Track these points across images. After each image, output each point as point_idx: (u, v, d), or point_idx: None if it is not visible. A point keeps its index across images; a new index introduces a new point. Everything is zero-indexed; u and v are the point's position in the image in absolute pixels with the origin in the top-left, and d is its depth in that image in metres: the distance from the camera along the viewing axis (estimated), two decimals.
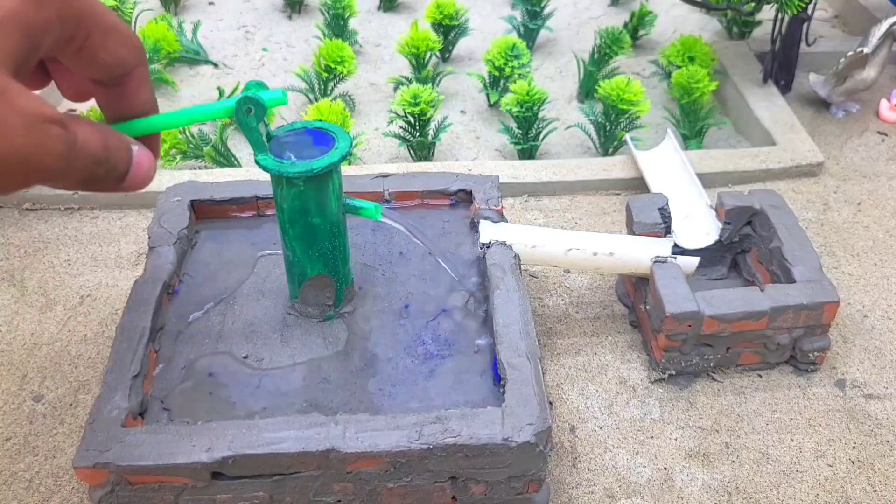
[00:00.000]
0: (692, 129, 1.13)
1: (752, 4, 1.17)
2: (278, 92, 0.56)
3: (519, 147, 1.10)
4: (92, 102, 0.52)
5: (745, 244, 0.86)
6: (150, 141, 0.51)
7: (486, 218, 0.77)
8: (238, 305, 0.71)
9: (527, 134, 1.09)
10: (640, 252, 0.78)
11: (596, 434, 0.74)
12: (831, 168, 1.09)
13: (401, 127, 1.09)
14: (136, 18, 1.35)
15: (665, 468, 0.71)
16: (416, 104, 1.05)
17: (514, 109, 1.07)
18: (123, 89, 0.49)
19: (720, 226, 0.85)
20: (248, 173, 1.01)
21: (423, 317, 0.70)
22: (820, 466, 0.72)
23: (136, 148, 0.46)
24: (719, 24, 1.44)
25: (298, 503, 0.61)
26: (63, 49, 0.43)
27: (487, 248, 0.74)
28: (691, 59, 1.20)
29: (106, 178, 0.43)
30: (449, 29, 1.31)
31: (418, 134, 1.08)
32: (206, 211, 0.79)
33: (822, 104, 1.21)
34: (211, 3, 1.52)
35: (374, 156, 1.13)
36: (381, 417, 0.59)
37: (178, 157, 1.04)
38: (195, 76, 1.31)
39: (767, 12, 1.22)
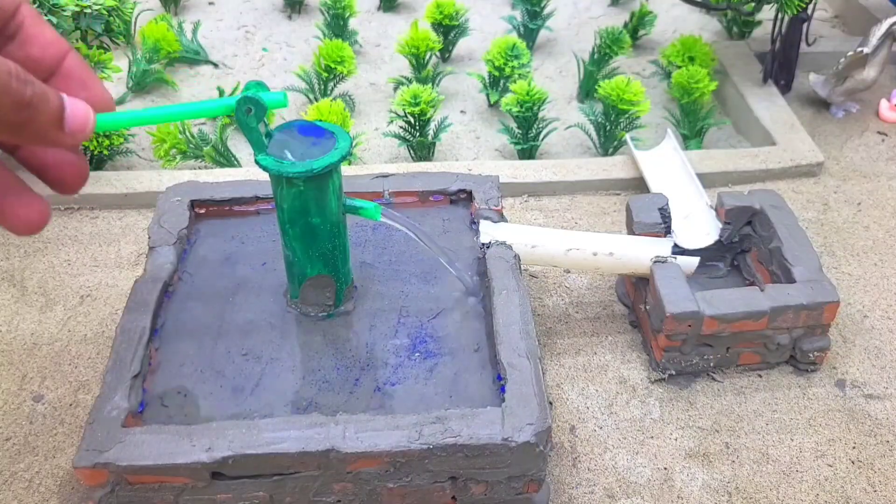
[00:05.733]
0: (692, 129, 1.13)
1: (752, 4, 1.17)
2: (280, 94, 0.56)
3: (519, 147, 1.10)
4: None
5: (745, 244, 0.86)
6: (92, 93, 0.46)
7: (486, 218, 0.77)
8: (238, 303, 0.71)
9: (527, 134, 1.09)
10: (640, 252, 0.78)
11: (596, 434, 0.74)
12: (831, 168, 1.09)
13: (401, 127, 1.09)
14: (136, 18, 1.35)
15: (665, 468, 0.71)
16: (416, 104, 1.05)
17: (514, 109, 1.07)
18: (19, 37, 0.44)
19: (720, 226, 0.85)
20: (248, 173, 1.01)
21: (423, 316, 0.70)
22: (820, 466, 0.72)
23: (64, 95, 0.43)
24: (719, 24, 1.44)
25: (298, 503, 0.61)
26: None
27: (487, 248, 0.74)
28: (691, 59, 1.20)
29: (36, 119, 0.40)
30: (449, 29, 1.31)
31: (418, 134, 1.08)
32: (206, 211, 0.79)
33: (822, 104, 1.21)
34: (211, 3, 1.52)
35: (374, 156, 1.13)
36: (381, 417, 0.59)
37: (178, 157, 1.04)
38: (195, 76, 1.31)
39: (767, 12, 1.22)
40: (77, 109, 0.43)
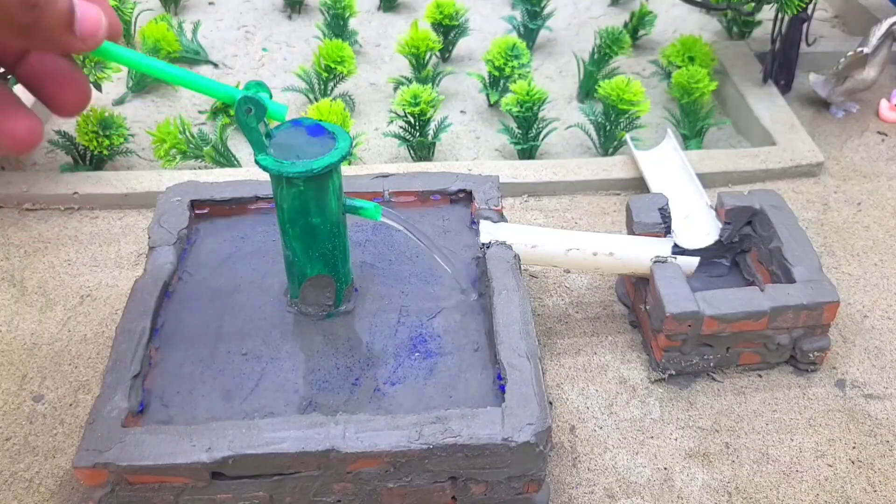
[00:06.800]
0: (692, 129, 1.13)
1: (752, 4, 1.17)
2: (283, 107, 0.56)
3: (519, 147, 1.10)
4: None
5: (745, 244, 0.86)
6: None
7: (486, 218, 0.77)
8: (238, 303, 0.71)
9: (527, 134, 1.09)
10: (640, 252, 0.78)
11: (596, 434, 0.74)
12: (831, 168, 1.09)
13: (401, 127, 1.09)
14: (136, 18, 1.35)
15: (665, 468, 0.71)
16: (416, 104, 1.05)
17: (514, 109, 1.07)
18: None
19: (720, 226, 0.85)
20: (248, 173, 1.01)
21: (423, 316, 0.70)
22: (820, 466, 0.72)
23: None
24: (719, 24, 1.44)
25: (298, 503, 0.61)
26: None
27: (487, 248, 0.74)
28: (691, 59, 1.20)
29: (44, 20, 0.39)
30: (449, 29, 1.31)
31: (418, 134, 1.08)
32: (206, 211, 0.79)
33: (822, 104, 1.21)
34: (211, 3, 1.52)
35: (374, 156, 1.13)
36: (381, 417, 0.59)
37: (178, 157, 1.04)
38: None
39: (767, 12, 1.22)
40: (88, 12, 0.41)
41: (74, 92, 0.45)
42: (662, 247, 0.78)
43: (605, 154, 1.11)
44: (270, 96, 0.57)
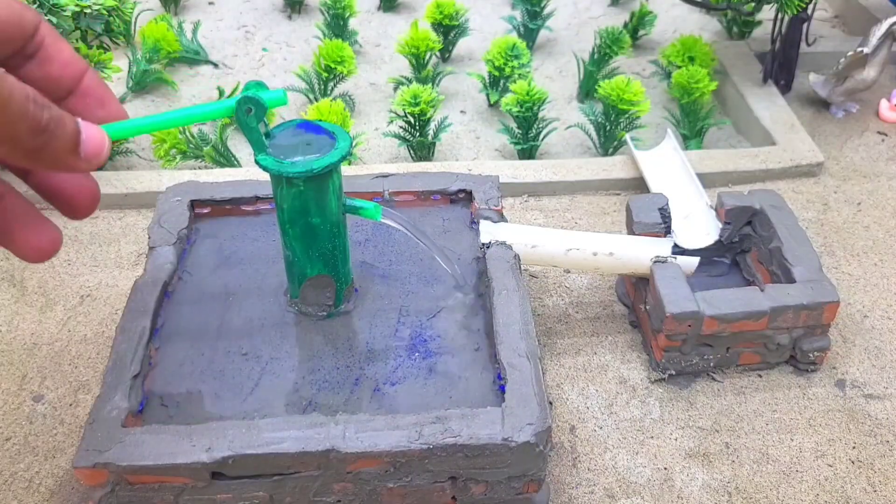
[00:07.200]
0: (692, 129, 1.13)
1: (752, 4, 1.17)
2: (279, 92, 0.56)
3: (519, 147, 1.10)
4: None
5: (745, 244, 0.86)
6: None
7: (486, 218, 0.77)
8: (238, 303, 0.71)
9: (527, 134, 1.09)
10: (640, 252, 0.78)
11: (596, 434, 0.74)
12: (831, 168, 1.09)
13: (401, 127, 1.09)
14: (136, 18, 1.35)
15: (665, 468, 0.71)
16: (416, 104, 1.05)
17: (514, 109, 1.07)
18: (38, 55, 0.43)
19: (720, 226, 0.85)
20: (248, 173, 1.01)
21: (423, 316, 0.70)
22: (820, 466, 0.72)
23: (79, 120, 0.43)
24: (719, 24, 1.44)
25: (298, 503, 0.61)
26: None
27: (487, 248, 0.74)
28: (691, 59, 1.20)
29: (52, 144, 0.40)
30: (449, 29, 1.31)
31: (418, 134, 1.08)
32: (206, 211, 0.79)
33: (822, 104, 1.21)
34: (211, 3, 1.52)
35: (374, 156, 1.13)
36: (381, 417, 0.59)
37: (178, 157, 1.04)
38: (195, 76, 1.31)
39: (767, 12, 1.22)
40: (93, 135, 0.43)
41: (85, 198, 0.47)
42: (662, 247, 0.78)
43: (605, 154, 1.11)
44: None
